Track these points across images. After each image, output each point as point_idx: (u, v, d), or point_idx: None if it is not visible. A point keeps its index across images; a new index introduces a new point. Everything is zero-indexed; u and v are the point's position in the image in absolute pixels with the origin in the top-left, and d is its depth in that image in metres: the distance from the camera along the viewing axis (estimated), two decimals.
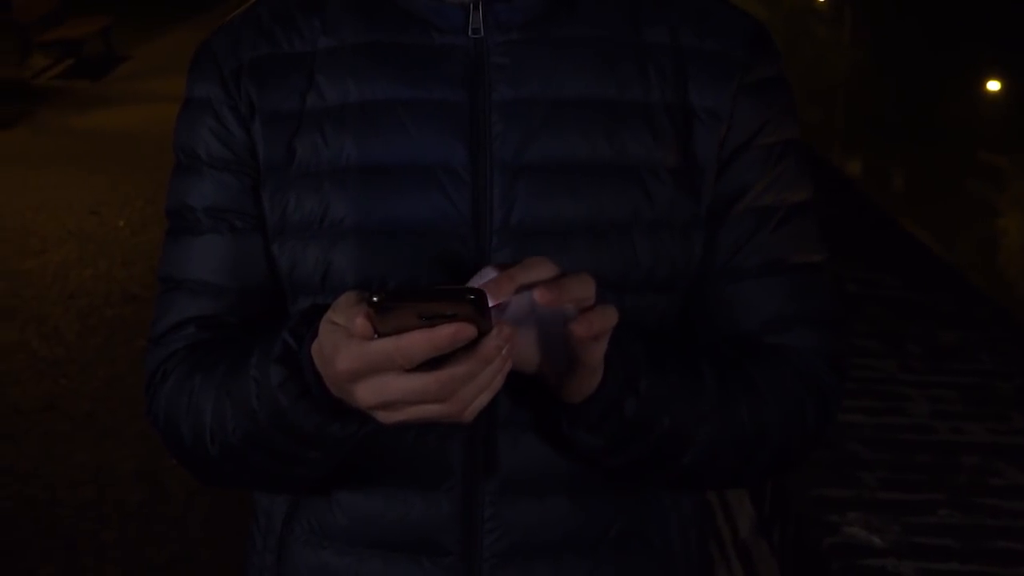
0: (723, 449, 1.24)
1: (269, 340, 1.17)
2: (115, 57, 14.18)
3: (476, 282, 1.05)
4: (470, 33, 1.26)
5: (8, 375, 5.55)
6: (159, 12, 16.71)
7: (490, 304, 1.00)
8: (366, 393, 1.04)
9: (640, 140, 1.25)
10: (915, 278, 4.16)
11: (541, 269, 1.06)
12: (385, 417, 1.06)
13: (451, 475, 1.27)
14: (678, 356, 1.22)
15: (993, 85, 14.20)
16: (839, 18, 18.58)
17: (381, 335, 1.00)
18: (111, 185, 8.77)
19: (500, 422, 1.25)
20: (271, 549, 1.37)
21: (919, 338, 3.58)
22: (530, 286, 1.05)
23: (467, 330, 0.98)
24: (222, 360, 1.25)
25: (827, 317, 1.33)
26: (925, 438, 2.94)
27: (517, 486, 1.27)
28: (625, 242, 1.24)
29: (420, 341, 0.98)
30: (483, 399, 1.04)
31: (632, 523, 1.32)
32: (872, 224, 4.92)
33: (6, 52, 13.01)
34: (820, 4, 19.73)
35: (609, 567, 1.31)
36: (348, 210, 1.24)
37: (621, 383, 1.14)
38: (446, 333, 0.98)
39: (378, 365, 1.01)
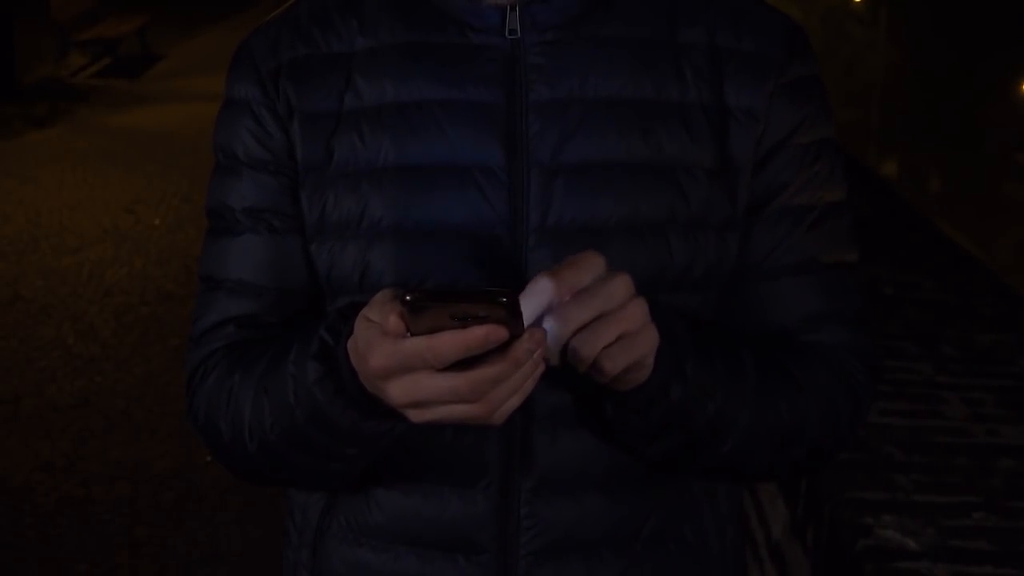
0: (761, 439, 1.24)
1: (307, 338, 1.18)
2: (151, 56, 14.26)
3: (530, 291, 1.05)
4: (507, 34, 1.26)
5: (44, 372, 5.59)
6: (195, 12, 16.78)
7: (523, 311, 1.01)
8: (397, 391, 1.05)
9: (676, 140, 1.26)
10: (951, 280, 4.14)
11: (588, 268, 1.07)
12: (416, 416, 1.07)
13: (488, 473, 1.27)
14: (720, 343, 1.23)
15: None
16: (875, 19, 18.48)
17: (414, 334, 1.01)
18: (147, 183, 8.82)
19: (537, 420, 1.26)
20: (307, 545, 1.38)
21: (955, 340, 3.57)
22: None
23: (499, 332, 0.98)
24: (261, 358, 1.26)
25: (860, 316, 1.33)
26: (961, 440, 2.93)
27: (553, 484, 1.28)
28: (661, 242, 1.24)
29: (452, 341, 0.99)
30: (513, 402, 1.05)
31: (668, 520, 1.32)
32: (908, 226, 4.90)
33: (44, 50, 13.09)
34: (856, 5, 19.64)
35: (645, 564, 1.32)
36: (386, 210, 1.25)
37: (669, 368, 1.14)
38: (478, 334, 0.98)
39: (410, 364, 1.02)
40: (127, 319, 6.27)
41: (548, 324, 1.05)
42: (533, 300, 1.05)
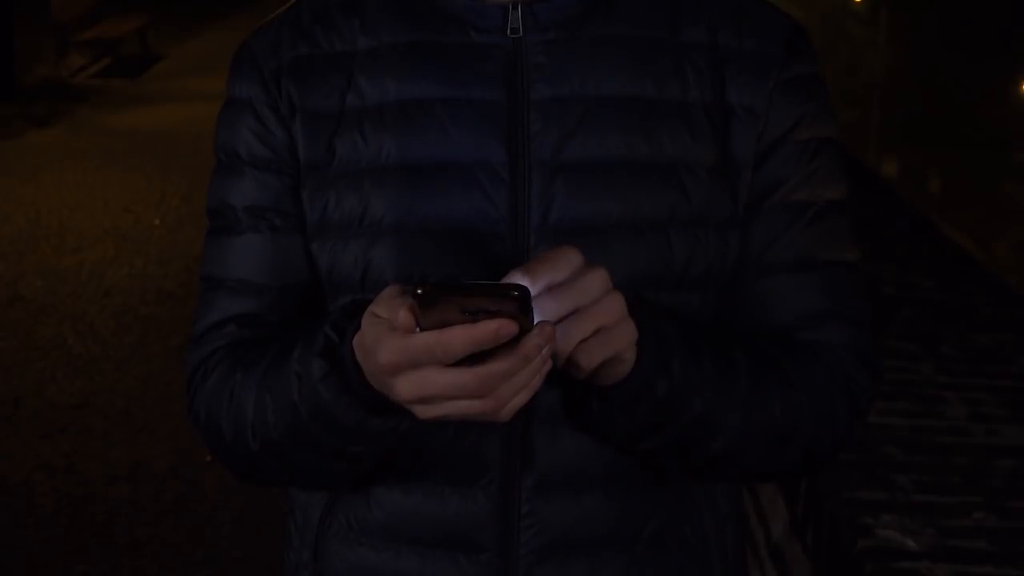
0: (754, 439, 1.24)
1: (311, 335, 1.18)
2: (151, 56, 14.23)
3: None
4: (508, 33, 1.26)
5: (44, 372, 5.59)
6: (195, 12, 16.76)
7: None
8: (405, 387, 1.04)
9: (678, 138, 1.26)
10: (951, 280, 4.13)
11: (563, 263, 1.06)
12: (422, 412, 1.06)
13: (488, 471, 1.27)
14: (711, 343, 1.22)
15: None
16: (875, 18, 18.48)
17: (423, 329, 1.00)
18: (147, 184, 8.81)
19: (538, 418, 1.25)
20: (308, 545, 1.38)
21: (955, 340, 3.57)
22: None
23: (509, 327, 0.98)
24: (263, 357, 1.26)
25: (860, 315, 1.33)
26: (961, 440, 2.93)
27: (554, 483, 1.27)
28: (661, 240, 1.24)
29: (462, 336, 0.98)
30: (521, 398, 1.04)
31: (668, 520, 1.32)
32: (908, 226, 4.90)
33: (43, 51, 13.08)
34: (856, 4, 19.64)
35: (645, 564, 1.32)
36: (387, 209, 1.25)
37: (654, 365, 1.14)
38: (488, 329, 0.98)
39: (419, 359, 1.01)
40: (127, 319, 6.27)
41: None
42: None
